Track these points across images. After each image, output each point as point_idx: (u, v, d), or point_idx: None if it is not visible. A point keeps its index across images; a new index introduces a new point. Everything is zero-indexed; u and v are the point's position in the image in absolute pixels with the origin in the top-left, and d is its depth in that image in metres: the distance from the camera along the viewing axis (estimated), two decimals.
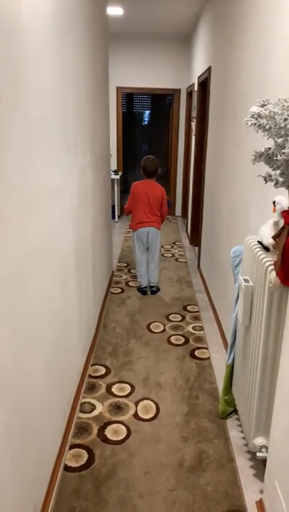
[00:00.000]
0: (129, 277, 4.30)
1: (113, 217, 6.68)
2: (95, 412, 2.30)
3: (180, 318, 3.42)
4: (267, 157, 1.39)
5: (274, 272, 1.58)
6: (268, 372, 1.75)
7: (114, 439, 2.11)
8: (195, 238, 5.31)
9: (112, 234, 5.79)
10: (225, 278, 3.10)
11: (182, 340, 3.07)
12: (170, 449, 2.05)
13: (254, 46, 2.36)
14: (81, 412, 2.30)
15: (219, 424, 2.22)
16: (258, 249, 1.77)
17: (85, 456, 2.00)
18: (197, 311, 3.54)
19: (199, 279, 4.29)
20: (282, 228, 1.49)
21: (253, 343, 1.81)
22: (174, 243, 5.57)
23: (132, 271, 4.48)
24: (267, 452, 1.80)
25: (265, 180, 1.48)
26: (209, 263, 3.89)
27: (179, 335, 3.13)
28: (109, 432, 2.15)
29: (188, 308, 3.60)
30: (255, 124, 1.34)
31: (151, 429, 2.18)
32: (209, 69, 3.97)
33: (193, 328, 3.25)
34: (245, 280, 1.85)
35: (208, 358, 2.84)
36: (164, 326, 3.28)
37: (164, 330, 3.21)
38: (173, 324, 3.31)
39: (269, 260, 1.64)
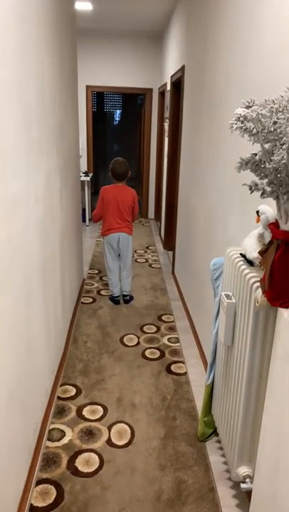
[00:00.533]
0: (101, 285, 4.10)
1: (84, 220, 6.46)
2: (65, 440, 2.10)
3: (155, 329, 3.26)
4: (254, 164, 1.25)
5: (260, 290, 1.44)
6: (252, 397, 1.61)
7: (85, 470, 1.92)
8: (169, 242, 5.18)
9: (83, 239, 5.57)
10: (201, 285, 2.96)
11: (157, 353, 2.91)
12: (147, 480, 1.88)
13: (230, 44, 2.22)
14: (49, 440, 2.09)
15: (198, 448, 2.07)
16: (241, 262, 1.63)
17: (54, 492, 1.80)
18: (172, 321, 3.39)
19: (174, 286, 4.15)
20: (270, 243, 1.35)
21: (236, 364, 1.67)
22: (147, 247, 5.41)
23: (103, 278, 4.28)
24: (251, 483, 1.66)
25: (250, 189, 1.33)
26: (184, 269, 3.75)
27: (154, 348, 2.97)
28: (80, 463, 1.96)
29: (163, 317, 3.45)
30: (241, 127, 1.19)
31: (126, 456, 2.01)
32: (183, 68, 3.83)
33: (169, 339, 3.10)
34: (227, 296, 1.70)
35: (185, 372, 2.69)
36: (138, 338, 3.11)
37: (138, 343, 3.04)
38: (147, 336, 3.14)
39: (254, 276, 1.50)
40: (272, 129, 1.17)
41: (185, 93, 3.74)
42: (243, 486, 1.65)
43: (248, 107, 1.25)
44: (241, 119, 1.18)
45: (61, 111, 2.64)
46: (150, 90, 6.54)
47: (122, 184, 3.73)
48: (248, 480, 1.66)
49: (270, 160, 1.22)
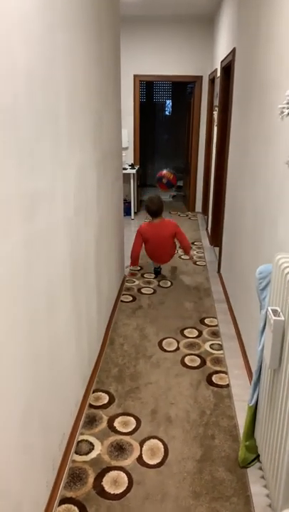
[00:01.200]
0: (142, 283, 3.94)
1: (129, 214, 6.33)
2: (93, 454, 1.96)
3: (196, 333, 3.05)
4: None
5: None
6: None
7: (112, 491, 1.77)
8: (216, 238, 4.90)
9: (127, 233, 5.44)
10: (248, 288, 2.70)
11: (198, 361, 2.70)
12: (178, 509, 1.70)
13: (287, 22, 1.93)
14: (77, 453, 1.97)
15: (239, 476, 1.85)
16: None
17: None
18: (216, 325, 3.16)
19: (219, 286, 3.90)
20: None
21: (284, 391, 1.43)
22: (192, 243, 5.16)
23: (145, 276, 4.12)
24: None
25: None
26: (231, 269, 3.49)
27: (195, 355, 2.77)
28: (107, 482, 1.82)
29: (205, 321, 3.22)
30: None
31: (158, 479, 1.84)
32: (233, 51, 3.53)
33: (211, 346, 2.87)
34: (275, 312, 1.46)
35: (228, 385, 2.47)
36: (178, 343, 2.91)
37: (177, 348, 2.85)
38: (188, 341, 2.94)
39: None
40: None
41: (235, 78, 3.45)
42: None
43: None
44: None
45: (99, 101, 2.48)
46: (200, 78, 6.23)
47: (158, 221, 3.82)
48: None
49: None
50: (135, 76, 6.23)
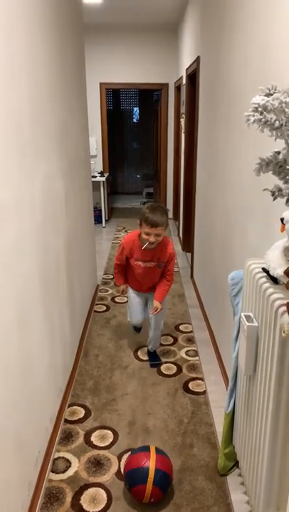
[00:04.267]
0: (116, 292, 3.90)
1: (100, 221, 6.29)
2: (70, 472, 1.91)
3: (172, 340, 3.03)
4: (276, 166, 1.01)
5: (287, 316, 1.20)
6: (280, 434, 1.37)
7: (91, 510, 1.72)
8: (187, 244, 4.93)
9: (99, 241, 5.40)
10: (222, 293, 2.71)
11: (174, 369, 2.68)
12: None
13: (250, 27, 1.96)
14: (53, 471, 1.91)
15: (218, 484, 1.84)
16: (264, 279, 1.39)
17: None
18: (191, 331, 3.16)
19: (193, 291, 3.91)
20: None
21: (260, 396, 1.43)
22: None
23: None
24: None
25: (273, 195, 1.09)
26: (203, 273, 3.51)
27: (171, 362, 2.75)
28: (86, 501, 1.76)
29: (180, 327, 3.21)
30: (260, 120, 0.95)
31: None
32: (198, 59, 3.57)
33: (187, 353, 2.86)
34: (248, 318, 1.46)
35: (204, 391, 2.46)
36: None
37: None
38: (164, 349, 2.92)
39: (280, 298, 1.26)
40: None
41: (201, 86, 3.49)
42: None
43: (268, 95, 1.01)
44: (260, 109, 0.95)
45: (64, 109, 2.44)
46: (166, 85, 6.29)
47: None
48: None
49: None
50: (101, 84, 6.23)
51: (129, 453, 1.89)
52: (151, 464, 1.70)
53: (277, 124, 0.95)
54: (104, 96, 6.30)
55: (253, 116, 0.95)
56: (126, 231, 6.09)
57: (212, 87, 2.93)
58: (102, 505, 1.74)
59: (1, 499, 1.38)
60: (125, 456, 1.98)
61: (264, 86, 1.04)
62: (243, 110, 2.06)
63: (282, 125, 0.95)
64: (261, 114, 0.94)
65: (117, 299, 3.73)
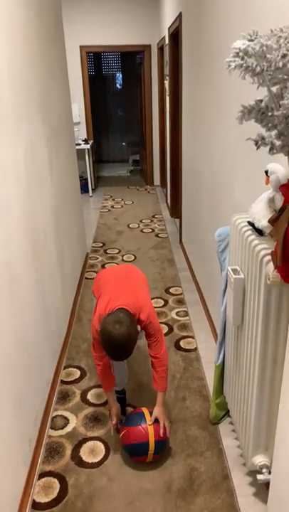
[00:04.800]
0: (105, 259, 3.92)
1: (86, 191, 6.23)
2: (68, 428, 1.98)
3: (162, 302, 3.09)
4: (259, 113, 1.01)
5: (272, 265, 1.23)
6: (267, 381, 1.44)
7: (90, 460, 1.80)
8: (176, 209, 4.93)
9: (86, 211, 5.38)
10: (210, 255, 2.75)
11: (166, 329, 2.74)
12: (156, 469, 1.75)
13: None
14: (52, 428, 1.98)
15: (211, 432, 1.93)
16: (249, 232, 1.42)
17: (57, 486, 1.69)
18: (181, 294, 3.22)
19: (182, 256, 3.95)
20: (282, 209, 1.13)
21: (248, 345, 1.49)
22: (153, 216, 5.17)
23: (108, 251, 4.10)
24: (269, 473, 1.52)
25: (256, 144, 1.10)
26: (192, 238, 3.54)
27: (162, 323, 2.81)
28: (84, 452, 1.84)
29: (170, 290, 3.27)
30: (241, 65, 0.95)
31: None
32: (180, 16, 3.47)
33: (178, 313, 2.93)
34: (235, 271, 1.50)
35: (196, 348, 2.54)
36: None
37: None
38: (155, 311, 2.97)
39: (264, 248, 1.29)
40: (280, 64, 0.93)
41: (184, 44, 3.40)
42: (259, 477, 1.51)
43: (250, 41, 1.00)
44: (241, 54, 0.94)
45: (44, 72, 2.38)
46: (148, 47, 6.10)
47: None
48: (264, 470, 1.52)
49: (279, 106, 0.99)
50: (81, 47, 6.01)
51: (125, 421, 1.81)
52: (150, 438, 1.70)
53: (258, 69, 0.95)
54: (85, 60, 6.10)
55: (234, 61, 0.94)
56: (113, 199, 6.05)
57: (195, 44, 2.86)
58: (101, 456, 1.82)
59: (3, 455, 1.44)
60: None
61: (245, 32, 1.03)
62: (225, 66, 2.03)
63: (263, 70, 0.95)
64: (242, 59, 0.94)
65: (107, 266, 3.76)
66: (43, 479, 1.72)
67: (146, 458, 1.74)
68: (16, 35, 1.81)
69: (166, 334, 2.69)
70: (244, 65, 0.94)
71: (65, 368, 2.40)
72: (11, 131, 1.68)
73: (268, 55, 0.96)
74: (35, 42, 2.20)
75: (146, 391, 2.19)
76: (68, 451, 1.85)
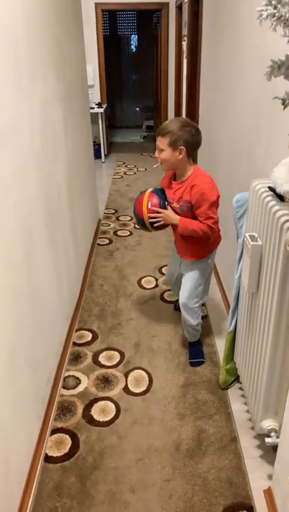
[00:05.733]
0: (118, 226, 3.90)
1: (99, 156, 6.13)
2: (80, 388, 2.03)
3: None
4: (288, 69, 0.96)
5: None
6: (280, 347, 1.45)
7: (101, 419, 1.86)
8: None
9: (99, 177, 5.31)
10: (224, 222, 2.71)
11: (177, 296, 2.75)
12: (165, 430, 1.80)
13: None
14: (64, 388, 2.03)
15: (220, 396, 1.97)
16: (270, 198, 1.38)
17: (69, 442, 1.75)
18: None
19: None
20: None
21: (262, 312, 1.48)
22: None
23: (120, 218, 4.07)
24: (277, 437, 1.55)
25: (283, 103, 1.05)
26: None
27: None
28: (96, 412, 1.89)
29: None
30: (273, 15, 0.89)
31: (144, 405, 1.93)
32: None
33: None
34: (252, 237, 1.48)
35: (206, 315, 2.55)
36: (157, 280, 2.95)
37: (156, 285, 2.89)
38: None
39: (285, 214, 1.26)
40: None
41: (204, 0, 3.23)
42: (268, 440, 1.54)
43: None
44: (274, 2, 0.88)
45: (59, 27, 2.29)
46: (166, 5, 5.83)
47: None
48: (273, 434, 1.55)
49: None
50: (97, 4, 5.77)
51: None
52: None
53: None
54: (100, 18, 5.86)
55: (266, 10, 0.88)
56: (126, 166, 5.97)
57: (217, 1, 2.72)
58: (112, 415, 1.87)
59: (18, 412, 1.48)
60: (132, 374, 2.09)
61: None
62: (250, 20, 1.92)
63: None
64: (275, 8, 0.88)
65: (119, 233, 3.74)
66: (55, 435, 1.78)
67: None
68: None
69: (177, 301, 2.69)
70: (277, 14, 0.88)
71: (77, 330, 2.44)
72: (26, 86, 1.63)
73: None
74: None
75: (157, 354, 2.22)
76: (80, 410, 1.90)
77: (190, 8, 4.13)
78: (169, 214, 1.96)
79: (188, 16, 4.21)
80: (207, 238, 1.93)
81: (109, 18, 8.27)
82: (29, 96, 1.67)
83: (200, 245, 2.00)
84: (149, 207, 1.98)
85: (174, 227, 2.00)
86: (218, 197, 1.89)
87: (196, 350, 2.22)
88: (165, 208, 1.98)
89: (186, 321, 2.10)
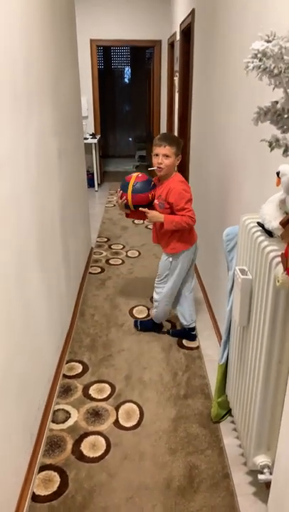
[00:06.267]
0: (110, 254, 3.93)
1: (92, 185, 6.22)
2: (70, 422, 1.99)
3: None
4: (275, 114, 1.01)
5: (281, 267, 1.23)
6: (271, 381, 1.44)
7: (91, 455, 1.81)
8: None
9: (92, 205, 5.37)
10: (215, 253, 2.75)
11: (168, 326, 2.75)
12: (156, 466, 1.76)
13: None
14: (53, 422, 1.99)
15: (212, 430, 1.94)
16: (259, 233, 1.41)
17: (57, 480, 1.70)
18: None
19: None
20: None
21: (253, 346, 1.49)
22: None
23: (112, 246, 4.10)
24: (270, 474, 1.52)
25: (270, 146, 1.10)
26: (197, 235, 3.52)
27: (166, 320, 2.81)
28: (85, 447, 1.85)
29: None
30: (259, 67, 0.94)
31: (134, 439, 1.89)
32: (192, 12, 3.44)
33: None
34: (242, 271, 1.50)
35: (198, 346, 2.54)
36: (149, 309, 2.95)
37: (148, 315, 2.89)
38: None
39: (274, 250, 1.29)
40: None
41: (195, 40, 3.38)
42: (260, 477, 1.51)
43: (267, 42, 0.99)
44: (259, 55, 0.93)
45: (56, 62, 2.37)
46: (159, 42, 6.07)
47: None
48: (266, 470, 1.53)
49: None
50: (92, 41, 5.99)
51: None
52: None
53: (276, 71, 0.94)
54: (95, 53, 6.08)
55: (252, 62, 0.94)
56: None
57: (208, 41, 2.84)
58: (102, 451, 1.83)
59: (5, 448, 1.45)
60: (123, 407, 2.07)
61: (263, 33, 1.02)
62: (239, 63, 2.02)
63: (280, 72, 0.94)
64: (260, 60, 0.93)
65: (111, 261, 3.76)
66: (43, 472, 1.73)
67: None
68: (31, 28, 1.80)
69: (168, 332, 2.69)
70: (262, 66, 0.93)
71: (67, 362, 2.41)
72: (22, 120, 1.67)
73: (285, 57, 0.95)
74: (49, 35, 2.19)
75: (148, 386, 2.20)
76: (69, 445, 1.86)
77: (181, 47, 4.30)
78: (155, 214, 2.33)
79: (180, 54, 4.38)
80: (189, 229, 2.38)
81: (104, 51, 8.56)
82: (26, 129, 1.71)
83: (177, 239, 2.41)
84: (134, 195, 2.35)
85: (159, 225, 2.40)
86: (191, 195, 2.33)
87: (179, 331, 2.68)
88: (152, 183, 2.37)
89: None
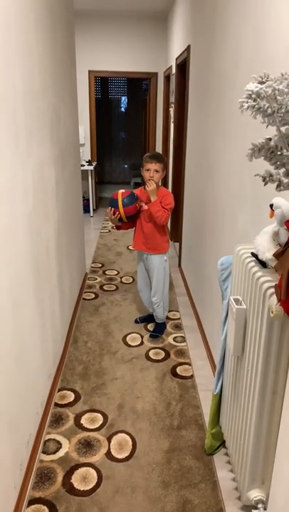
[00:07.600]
0: (104, 280, 3.93)
1: (88, 211, 6.27)
2: (61, 453, 1.94)
3: None
4: (268, 151, 1.05)
5: (275, 298, 1.25)
6: (265, 413, 1.43)
7: (82, 488, 1.77)
8: (176, 233, 4.97)
9: (87, 230, 5.41)
10: (209, 281, 2.77)
11: (162, 354, 2.73)
12: (149, 500, 1.72)
13: (241, 17, 1.99)
14: (44, 452, 1.94)
15: (205, 462, 1.90)
16: (253, 263, 1.44)
17: None
18: (178, 319, 3.21)
19: (180, 280, 3.96)
20: (287, 244, 1.15)
21: (247, 376, 1.49)
22: None
23: (106, 272, 4.11)
24: (265, 509, 1.49)
25: (264, 180, 1.13)
26: (191, 262, 3.56)
27: (159, 348, 2.80)
28: (76, 480, 1.81)
29: (168, 315, 3.26)
30: (253, 107, 0.98)
31: (127, 472, 1.85)
32: (188, 48, 3.58)
33: (175, 339, 2.92)
34: (236, 301, 1.51)
35: (192, 375, 2.52)
36: (142, 337, 2.94)
37: (141, 343, 2.87)
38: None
39: (268, 281, 1.31)
40: None
41: (191, 75, 3.50)
42: None
43: (261, 83, 1.04)
44: (253, 96, 0.98)
45: (55, 95, 2.44)
46: (155, 74, 6.28)
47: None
48: (260, 506, 1.49)
49: (288, 146, 1.02)
50: (90, 72, 6.17)
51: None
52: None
53: (269, 110, 0.99)
54: (93, 84, 6.25)
55: (247, 102, 0.98)
56: None
57: (203, 76, 2.95)
58: (93, 484, 1.79)
59: None
60: (115, 438, 2.03)
61: (257, 74, 1.07)
62: (234, 99, 2.10)
63: (274, 112, 0.99)
64: (254, 101, 0.98)
65: (105, 287, 3.76)
66: (33, 506, 1.68)
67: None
68: (31, 62, 1.87)
69: (162, 360, 2.67)
70: (256, 106, 0.97)
71: (59, 390, 2.37)
72: (22, 152, 1.71)
73: (278, 98, 1.00)
74: (49, 67, 2.27)
75: (141, 416, 2.17)
76: (60, 478, 1.81)
77: (177, 80, 4.45)
78: (153, 188, 2.65)
79: (176, 87, 4.52)
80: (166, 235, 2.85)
81: (101, 82, 8.81)
82: (25, 159, 1.75)
83: (164, 240, 2.86)
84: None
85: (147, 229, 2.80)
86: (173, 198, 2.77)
87: (157, 327, 3.02)
88: (135, 195, 2.75)
89: (156, 303, 2.93)
